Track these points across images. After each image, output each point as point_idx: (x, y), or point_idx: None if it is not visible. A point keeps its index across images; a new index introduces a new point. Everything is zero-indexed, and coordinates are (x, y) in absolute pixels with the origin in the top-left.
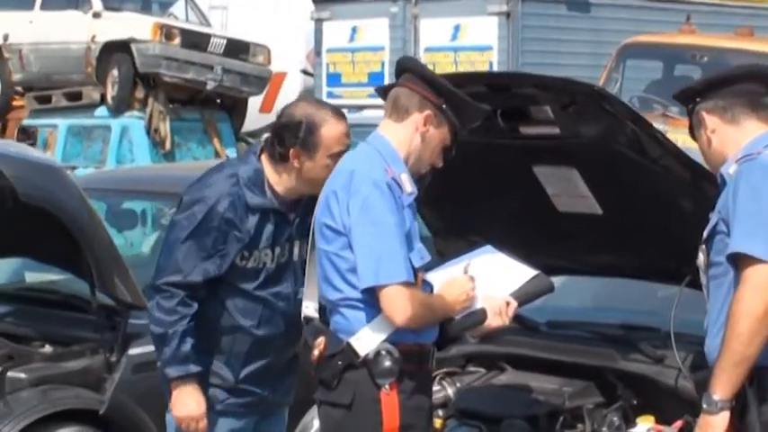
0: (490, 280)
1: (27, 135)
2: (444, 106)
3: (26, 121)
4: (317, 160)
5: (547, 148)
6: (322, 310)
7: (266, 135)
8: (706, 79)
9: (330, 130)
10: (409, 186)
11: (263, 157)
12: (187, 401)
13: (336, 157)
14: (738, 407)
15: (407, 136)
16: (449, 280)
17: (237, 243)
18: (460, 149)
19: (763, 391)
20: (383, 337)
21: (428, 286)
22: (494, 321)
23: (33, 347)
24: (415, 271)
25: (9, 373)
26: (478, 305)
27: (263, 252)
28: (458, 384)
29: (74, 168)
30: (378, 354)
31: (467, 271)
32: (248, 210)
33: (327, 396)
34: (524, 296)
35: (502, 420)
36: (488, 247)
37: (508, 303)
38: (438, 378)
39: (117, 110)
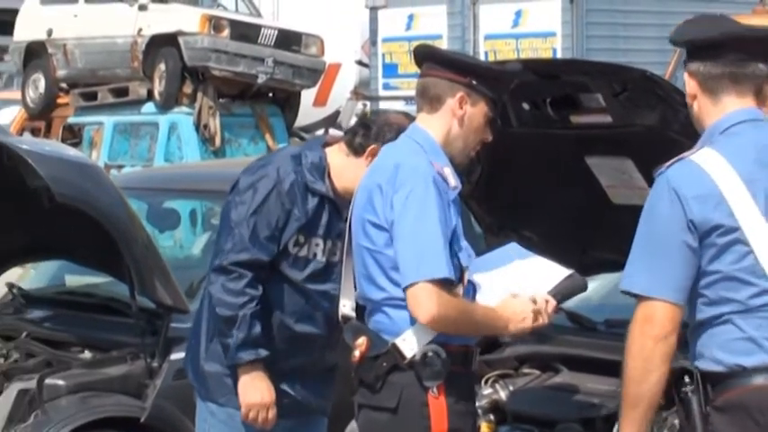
0: (525, 279)
1: (72, 133)
2: (474, 82)
3: (71, 119)
4: None
5: (599, 138)
6: (358, 309)
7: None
8: (689, 38)
9: None
10: (453, 180)
11: (332, 149)
12: (259, 387)
13: None
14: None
15: (445, 124)
16: (509, 299)
17: (296, 223)
18: (510, 141)
19: (708, 399)
20: (430, 337)
21: (471, 287)
22: (535, 322)
23: (72, 353)
24: (462, 270)
25: (48, 380)
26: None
27: (315, 241)
28: (510, 387)
29: (120, 167)
30: (425, 355)
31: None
32: (308, 191)
33: (370, 399)
34: (560, 295)
35: (556, 424)
36: (514, 245)
37: (547, 301)
38: (490, 380)
39: (165, 106)
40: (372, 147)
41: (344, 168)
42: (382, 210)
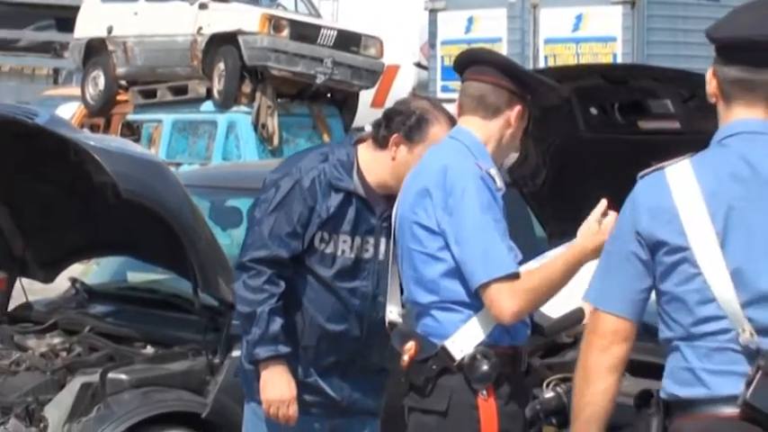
0: (583, 277)
1: (131, 130)
2: (530, 98)
3: (130, 117)
4: (414, 153)
5: (667, 144)
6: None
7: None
8: (711, 33)
9: (439, 131)
10: (499, 182)
11: (362, 145)
12: (278, 383)
13: None
14: None
15: (497, 132)
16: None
17: (317, 219)
18: (576, 145)
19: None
20: (479, 339)
21: None
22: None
23: (135, 348)
24: None
25: (110, 375)
26: (575, 303)
27: (342, 237)
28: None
29: (178, 165)
30: (474, 357)
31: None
32: (331, 187)
33: (420, 403)
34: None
35: (619, 429)
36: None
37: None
38: (552, 384)
39: (223, 104)
40: (395, 137)
41: (373, 163)
42: (434, 213)
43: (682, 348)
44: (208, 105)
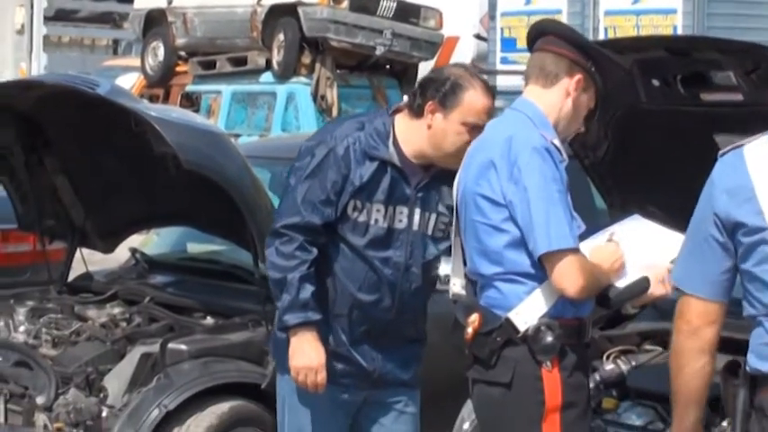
0: (646, 248)
1: (190, 101)
2: (593, 69)
3: (189, 87)
4: (450, 120)
5: (729, 116)
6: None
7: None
8: None
9: (474, 97)
10: (564, 153)
11: (399, 115)
12: (306, 350)
13: (471, 128)
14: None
15: (557, 101)
16: (596, 248)
17: (350, 187)
18: (638, 117)
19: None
20: (543, 311)
21: None
22: (656, 290)
23: (195, 319)
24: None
25: (170, 345)
26: (638, 273)
27: (375, 206)
28: (633, 363)
29: (237, 136)
30: (538, 329)
31: (611, 239)
32: (366, 156)
33: (484, 375)
34: None
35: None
36: (636, 216)
37: (670, 271)
38: (612, 356)
39: (283, 75)
40: (430, 104)
41: (409, 132)
42: (498, 185)
43: (764, 324)
44: (267, 76)
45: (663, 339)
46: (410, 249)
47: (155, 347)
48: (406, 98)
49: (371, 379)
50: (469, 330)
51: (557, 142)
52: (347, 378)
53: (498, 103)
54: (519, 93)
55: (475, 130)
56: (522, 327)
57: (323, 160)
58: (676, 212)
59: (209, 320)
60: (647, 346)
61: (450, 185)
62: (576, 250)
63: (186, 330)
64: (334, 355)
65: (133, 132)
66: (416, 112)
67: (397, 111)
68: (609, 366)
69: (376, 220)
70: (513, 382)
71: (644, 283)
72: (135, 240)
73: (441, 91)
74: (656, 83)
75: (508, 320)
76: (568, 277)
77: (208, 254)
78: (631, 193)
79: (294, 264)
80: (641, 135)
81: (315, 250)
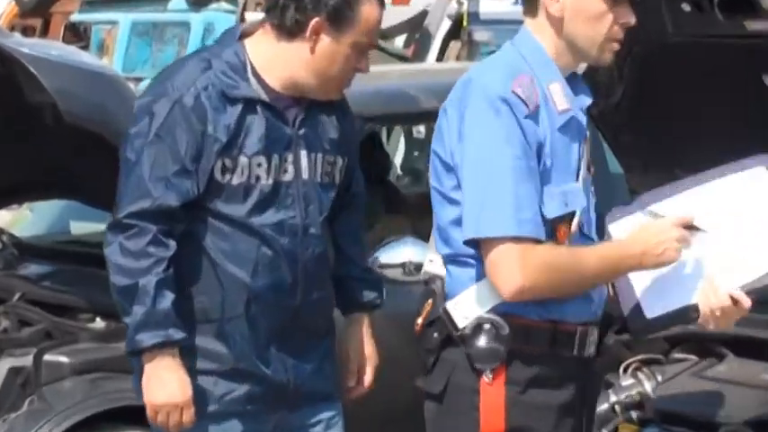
0: (710, 253)
1: (77, 35)
2: None
3: (76, 17)
4: (340, 42)
5: None
6: None
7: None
8: None
9: (370, 10)
10: (563, 101)
11: (253, 38)
12: (166, 380)
13: (360, 50)
14: None
15: (545, 30)
16: (646, 225)
17: (215, 145)
18: (663, 54)
19: None
20: (489, 305)
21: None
22: (707, 324)
23: (79, 322)
24: (557, 222)
25: (47, 357)
26: (692, 299)
27: (254, 161)
28: (659, 377)
29: (139, 80)
30: (477, 328)
31: (656, 215)
32: (225, 99)
33: (424, 381)
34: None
35: (718, 428)
36: (703, 185)
37: (736, 302)
38: (631, 368)
39: (198, 1)
40: (315, 22)
41: (277, 58)
42: (448, 141)
43: None
44: (178, 3)
45: (698, 346)
46: (304, 205)
47: (26, 360)
48: (248, 17)
49: (286, 395)
50: (418, 321)
51: (554, 87)
52: (253, 403)
53: (481, 35)
54: (507, 22)
55: (366, 51)
56: (460, 322)
57: (167, 119)
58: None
59: (99, 324)
60: (678, 355)
61: (330, 114)
62: (519, 239)
63: (68, 337)
64: (233, 374)
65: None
66: (290, 31)
67: (246, 34)
68: (627, 381)
69: (258, 178)
70: (446, 394)
71: (687, 315)
72: (2, 218)
73: (327, 4)
74: (686, 8)
75: (446, 312)
76: (501, 273)
77: (97, 236)
78: (655, 153)
79: (147, 264)
80: (667, 76)
81: (173, 243)
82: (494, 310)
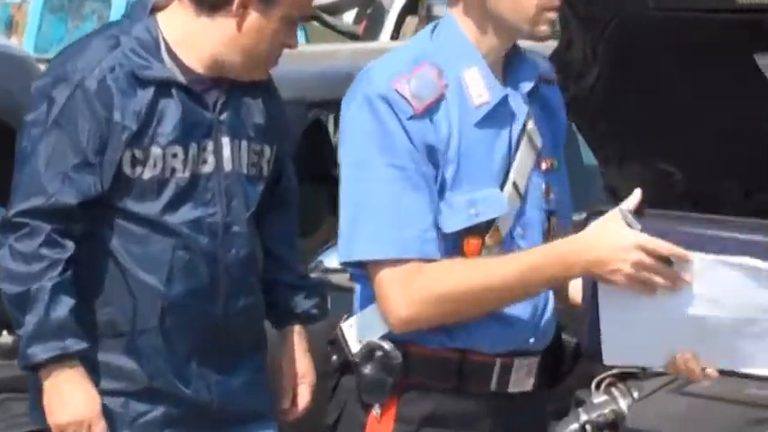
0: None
1: None
2: None
3: None
4: (270, 16)
5: None
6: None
7: None
8: None
9: None
10: (484, 92)
11: (166, 12)
12: (68, 395)
13: (290, 23)
14: None
15: (464, 14)
16: (598, 228)
17: (123, 134)
18: (642, 30)
19: None
20: (382, 329)
21: None
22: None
23: None
24: (464, 236)
25: None
26: (659, 363)
27: (169, 151)
28: (635, 394)
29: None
30: (369, 354)
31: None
32: (135, 82)
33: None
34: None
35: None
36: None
37: (704, 371)
38: (605, 383)
39: None
40: None
41: (196, 35)
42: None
43: None
44: None
45: None
46: (226, 201)
47: None
48: None
49: (209, 416)
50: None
51: (469, 75)
52: (172, 426)
53: (442, 9)
54: None
55: (296, 24)
56: (353, 346)
57: (67, 105)
58: (699, 170)
59: (5, 338)
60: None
61: (255, 97)
62: (400, 261)
63: None
64: (148, 394)
65: None
66: (212, 4)
67: (160, 6)
68: (600, 399)
69: (173, 170)
70: (339, 427)
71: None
72: None
73: None
74: None
75: (341, 333)
76: (383, 302)
77: None
78: (633, 143)
79: (40, 268)
80: (647, 54)
81: (70, 244)
82: (388, 335)
